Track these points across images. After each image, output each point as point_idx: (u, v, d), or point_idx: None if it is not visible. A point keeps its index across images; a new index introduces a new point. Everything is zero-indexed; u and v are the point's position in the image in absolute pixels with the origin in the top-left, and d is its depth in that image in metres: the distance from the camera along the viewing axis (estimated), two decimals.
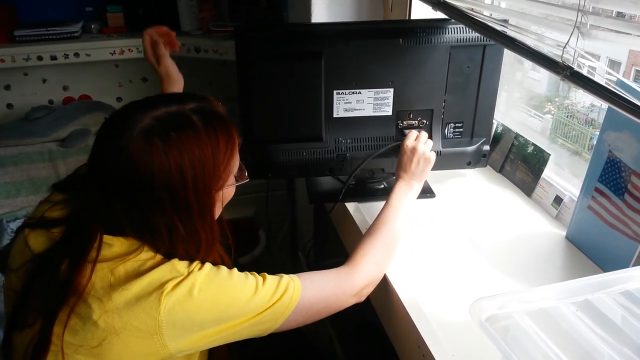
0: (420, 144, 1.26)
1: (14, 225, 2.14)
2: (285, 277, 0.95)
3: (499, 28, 1.00)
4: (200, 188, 0.87)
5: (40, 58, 2.40)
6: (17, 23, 2.52)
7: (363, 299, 1.07)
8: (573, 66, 0.82)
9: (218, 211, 0.97)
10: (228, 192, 0.97)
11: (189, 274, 0.85)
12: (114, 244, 0.86)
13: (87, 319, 0.80)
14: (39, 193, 2.34)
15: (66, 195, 0.99)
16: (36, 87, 2.68)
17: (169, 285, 0.82)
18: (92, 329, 0.80)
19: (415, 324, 0.96)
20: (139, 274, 0.83)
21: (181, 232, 0.87)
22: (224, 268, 0.91)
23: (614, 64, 1.37)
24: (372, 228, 1.15)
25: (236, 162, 0.96)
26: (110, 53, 2.48)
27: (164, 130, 0.84)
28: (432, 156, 1.26)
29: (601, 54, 1.35)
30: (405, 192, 1.22)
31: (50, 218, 0.93)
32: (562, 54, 0.83)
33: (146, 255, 0.86)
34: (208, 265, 0.89)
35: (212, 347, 0.93)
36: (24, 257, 0.91)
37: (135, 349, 0.81)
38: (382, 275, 1.11)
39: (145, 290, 0.81)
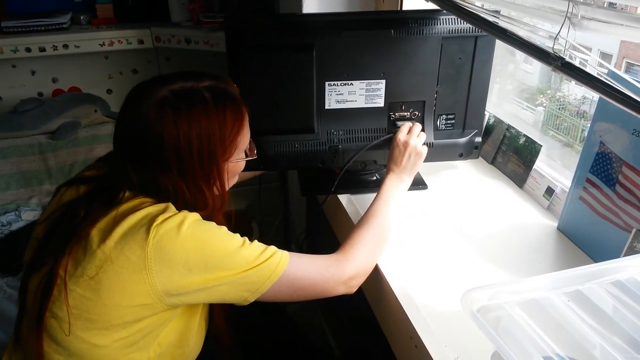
0: (413, 137, 1.27)
1: (5, 219, 2.12)
2: (273, 247, 0.99)
3: (490, 19, 1.00)
4: (205, 157, 0.95)
5: (28, 50, 2.38)
6: (4, 14, 2.49)
7: (353, 289, 1.08)
8: (564, 57, 0.82)
9: (230, 181, 1.07)
10: (236, 165, 1.06)
11: (180, 212, 0.93)
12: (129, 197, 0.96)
13: (89, 249, 0.89)
14: (29, 186, 2.32)
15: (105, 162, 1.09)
16: (25, 79, 2.65)
17: (160, 219, 0.89)
18: (91, 258, 0.88)
19: (408, 315, 0.97)
20: (137, 209, 0.92)
21: (186, 195, 0.96)
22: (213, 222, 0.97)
23: (605, 57, 1.37)
24: (362, 220, 1.15)
25: (244, 138, 1.04)
26: (100, 45, 2.45)
27: (176, 103, 0.93)
28: (424, 150, 1.27)
29: (593, 46, 1.35)
30: (395, 185, 1.22)
31: (84, 176, 1.05)
32: (554, 44, 0.83)
33: (148, 199, 0.95)
34: (199, 215, 0.96)
35: (199, 302, 0.96)
36: (52, 209, 1.01)
37: (126, 283, 0.88)
38: (373, 267, 1.11)
39: (139, 223, 0.89)
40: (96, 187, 1.00)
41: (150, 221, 0.89)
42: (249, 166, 1.35)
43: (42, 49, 2.40)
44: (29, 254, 1.01)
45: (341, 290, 1.06)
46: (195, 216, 0.94)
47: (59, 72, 2.69)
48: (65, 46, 2.42)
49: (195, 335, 1.08)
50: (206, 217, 0.97)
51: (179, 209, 0.95)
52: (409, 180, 1.25)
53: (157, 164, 0.94)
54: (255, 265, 0.94)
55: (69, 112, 2.42)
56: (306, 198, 2.01)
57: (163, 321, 0.96)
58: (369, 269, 1.10)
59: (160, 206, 0.93)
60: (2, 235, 2.04)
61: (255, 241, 0.98)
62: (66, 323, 0.90)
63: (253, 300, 0.97)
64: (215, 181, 0.99)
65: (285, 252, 0.99)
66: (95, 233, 0.90)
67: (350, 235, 1.12)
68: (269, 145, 1.34)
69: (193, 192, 0.97)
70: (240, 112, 1.00)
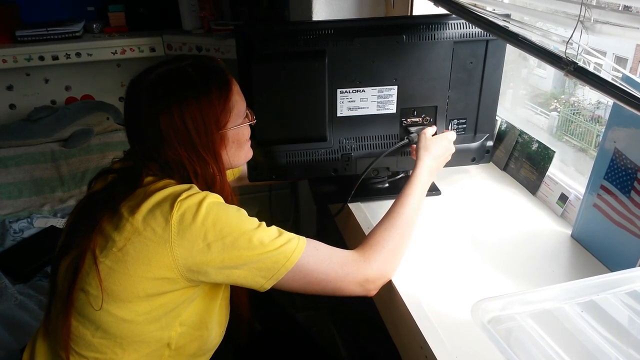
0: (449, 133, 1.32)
1: (17, 227, 2.14)
2: (291, 233, 1.02)
3: (500, 23, 0.98)
4: (201, 128, 1.01)
5: (42, 58, 2.40)
6: (19, 23, 2.52)
7: (371, 292, 1.06)
8: (577, 61, 0.80)
9: (237, 151, 1.11)
10: (237, 132, 1.10)
11: (202, 192, 0.99)
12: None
13: (118, 223, 0.96)
14: (42, 193, 2.34)
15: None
16: (38, 87, 2.68)
17: (184, 195, 0.96)
18: (120, 231, 0.94)
19: (418, 324, 0.95)
20: (163, 188, 0.98)
21: (196, 167, 1.02)
22: None
23: (620, 60, 1.36)
24: (386, 218, 1.13)
25: (236, 105, 1.08)
26: (112, 53, 2.48)
27: (163, 83, 1.02)
28: (453, 147, 1.31)
29: (607, 50, 1.34)
30: (419, 184, 1.20)
31: (112, 168, 1.11)
32: (566, 49, 0.82)
33: (172, 180, 1.03)
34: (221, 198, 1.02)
35: (218, 282, 1.00)
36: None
37: (152, 255, 0.93)
38: (394, 270, 1.09)
39: (165, 199, 0.96)
40: (119, 175, 1.07)
41: (175, 197, 0.95)
42: (261, 177, 1.35)
43: (55, 58, 2.42)
44: (61, 240, 1.07)
45: (357, 291, 1.05)
46: (217, 197, 0.99)
47: (72, 80, 2.72)
48: (78, 54, 2.44)
49: (215, 321, 1.10)
50: (225, 199, 1.03)
51: (200, 187, 1.01)
52: (429, 180, 1.23)
53: (158, 139, 1.00)
54: (271, 249, 0.96)
55: (82, 120, 2.45)
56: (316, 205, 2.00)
57: (185, 299, 1.00)
58: (389, 272, 1.08)
59: (185, 186, 1.00)
60: (14, 242, 2.05)
61: (273, 226, 1.01)
62: (94, 297, 0.96)
63: (269, 287, 0.99)
64: (217, 149, 1.05)
65: (303, 240, 1.01)
66: (124, 209, 0.97)
67: (372, 234, 1.10)
68: (281, 154, 1.33)
69: (200, 164, 1.03)
70: (226, 82, 1.06)
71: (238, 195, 1.13)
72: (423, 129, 1.31)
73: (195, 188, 1.00)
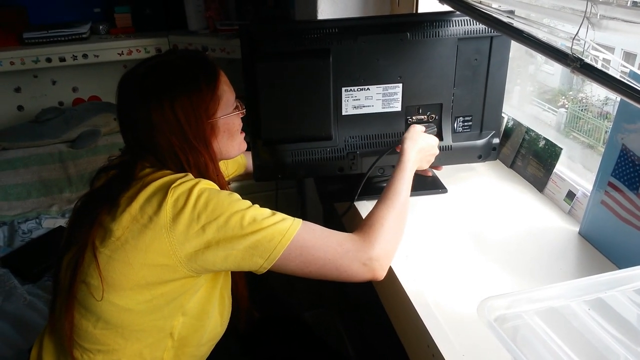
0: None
1: (25, 227, 2.15)
2: (284, 214, 1.03)
3: (505, 20, 0.98)
4: (191, 117, 1.04)
5: (49, 60, 2.41)
6: (26, 25, 2.53)
7: (377, 273, 1.04)
8: (584, 58, 0.80)
9: (228, 141, 1.14)
10: (228, 122, 1.12)
11: (196, 178, 1.02)
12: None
13: (116, 213, 0.97)
14: (50, 194, 2.35)
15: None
16: (46, 88, 2.70)
17: (178, 182, 0.98)
18: (118, 221, 0.96)
19: (425, 322, 0.95)
20: (160, 177, 1.01)
21: (188, 155, 1.04)
22: None
23: (629, 56, 1.34)
24: (383, 198, 1.13)
25: (224, 93, 1.11)
26: (119, 54, 2.48)
27: (152, 75, 1.05)
28: (437, 151, 1.30)
29: (616, 45, 1.32)
30: (411, 168, 1.20)
31: (111, 164, 1.14)
32: (572, 45, 0.81)
33: (168, 170, 1.04)
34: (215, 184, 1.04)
35: (217, 267, 0.99)
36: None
37: (149, 241, 0.95)
38: (396, 248, 1.09)
39: (161, 187, 0.98)
40: (117, 169, 1.09)
41: (169, 184, 0.97)
42: (267, 176, 1.35)
43: (62, 59, 2.43)
44: (63, 237, 1.09)
45: (361, 271, 1.02)
46: (209, 183, 1.02)
47: (79, 82, 2.73)
48: (85, 56, 2.45)
49: (217, 310, 1.11)
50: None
51: (194, 176, 1.03)
52: (414, 168, 1.23)
53: (150, 130, 1.03)
54: (265, 226, 0.97)
55: (89, 121, 2.46)
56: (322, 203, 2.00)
57: (186, 290, 1.01)
58: (391, 250, 1.07)
59: (181, 174, 1.02)
60: (22, 242, 2.06)
61: (266, 208, 1.03)
62: (95, 288, 0.97)
63: (268, 267, 0.99)
64: (208, 138, 1.07)
65: (298, 220, 1.02)
66: (123, 200, 0.99)
67: (370, 216, 1.09)
68: (287, 153, 1.33)
69: (191, 153, 1.05)
70: (213, 71, 1.09)
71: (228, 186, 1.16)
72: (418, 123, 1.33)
73: (190, 176, 1.02)
